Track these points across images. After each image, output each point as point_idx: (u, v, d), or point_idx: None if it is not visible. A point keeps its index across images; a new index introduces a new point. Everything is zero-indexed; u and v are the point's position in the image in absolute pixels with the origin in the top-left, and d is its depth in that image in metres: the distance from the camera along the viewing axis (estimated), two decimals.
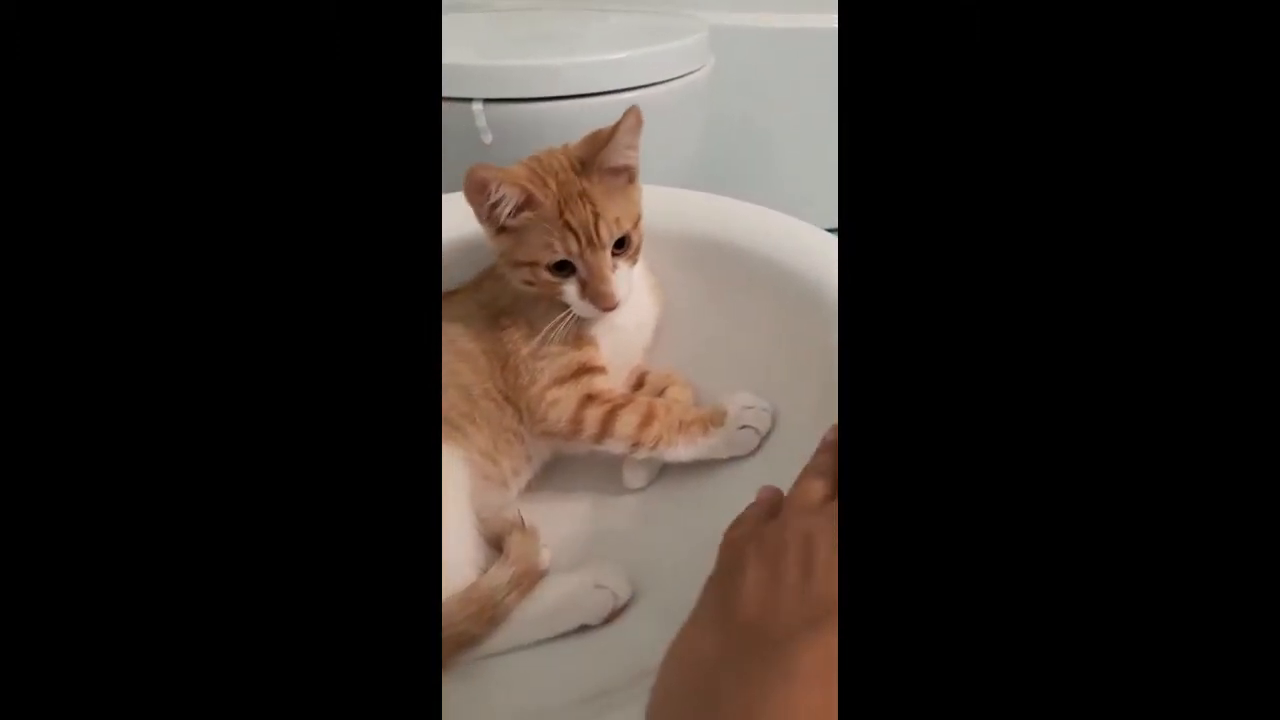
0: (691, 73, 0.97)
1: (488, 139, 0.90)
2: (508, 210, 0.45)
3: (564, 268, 0.46)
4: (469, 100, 0.87)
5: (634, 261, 0.48)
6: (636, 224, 0.48)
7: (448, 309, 0.51)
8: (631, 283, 0.48)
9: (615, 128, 0.45)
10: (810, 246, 0.53)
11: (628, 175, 0.48)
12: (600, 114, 0.91)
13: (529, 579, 0.42)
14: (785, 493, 0.33)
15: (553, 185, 0.45)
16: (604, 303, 0.46)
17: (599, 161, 0.45)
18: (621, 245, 0.47)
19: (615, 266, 0.46)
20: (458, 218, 0.57)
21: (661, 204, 0.55)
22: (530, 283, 0.47)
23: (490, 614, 0.39)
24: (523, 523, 0.45)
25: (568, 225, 0.44)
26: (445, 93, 0.87)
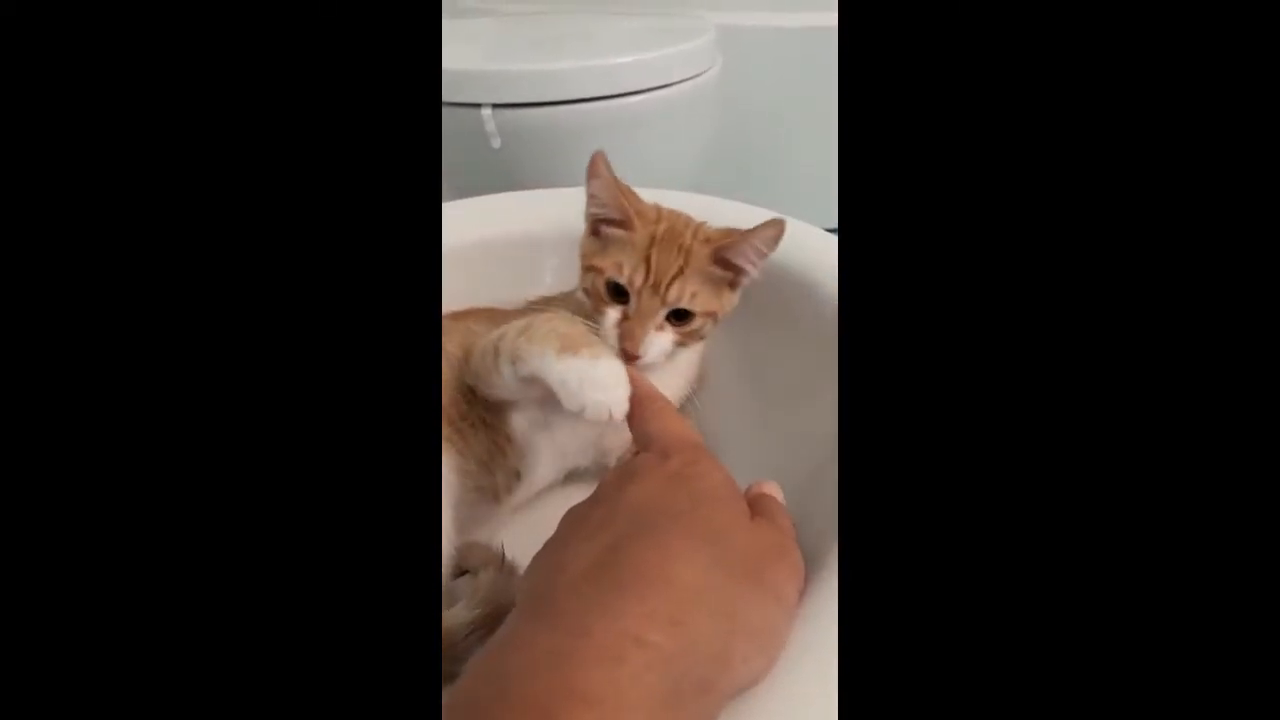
0: (699, 74, 0.96)
1: (496, 143, 0.90)
2: (603, 216, 0.46)
3: (620, 295, 0.45)
4: (478, 105, 0.88)
5: (683, 343, 0.46)
6: (710, 317, 0.46)
7: (501, 320, 0.49)
8: (665, 357, 0.46)
9: (754, 231, 0.43)
10: (817, 250, 0.52)
11: (732, 279, 0.46)
12: (608, 117, 0.93)
13: (493, 622, 0.39)
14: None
15: (662, 228, 0.45)
16: (626, 343, 0.44)
17: (721, 247, 0.44)
18: (681, 318, 0.45)
19: (662, 327, 0.44)
20: (457, 222, 0.58)
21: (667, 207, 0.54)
22: (587, 290, 0.46)
23: (449, 653, 0.37)
24: (502, 560, 0.43)
25: (647, 260, 0.44)
26: (454, 98, 0.88)
